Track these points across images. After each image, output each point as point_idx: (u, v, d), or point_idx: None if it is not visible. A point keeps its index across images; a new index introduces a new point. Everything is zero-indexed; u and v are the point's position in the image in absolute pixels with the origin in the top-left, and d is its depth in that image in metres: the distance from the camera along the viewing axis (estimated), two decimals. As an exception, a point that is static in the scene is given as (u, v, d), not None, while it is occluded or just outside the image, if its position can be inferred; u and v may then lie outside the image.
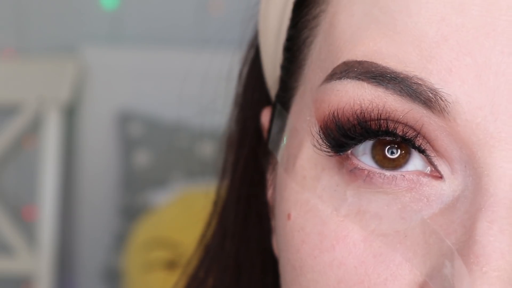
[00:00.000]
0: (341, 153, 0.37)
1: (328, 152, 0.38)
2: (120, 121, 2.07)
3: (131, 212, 2.03)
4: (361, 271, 0.36)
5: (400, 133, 0.36)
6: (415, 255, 0.35)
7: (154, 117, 2.07)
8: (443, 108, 0.35)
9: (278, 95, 0.44)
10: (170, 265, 1.76)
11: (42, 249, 1.97)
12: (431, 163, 0.36)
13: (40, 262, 1.97)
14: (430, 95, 0.35)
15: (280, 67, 0.44)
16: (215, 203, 0.51)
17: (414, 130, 0.36)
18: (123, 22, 2.13)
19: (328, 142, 0.38)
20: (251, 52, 0.50)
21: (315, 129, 0.38)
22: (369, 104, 0.36)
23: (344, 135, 0.37)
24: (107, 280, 2.06)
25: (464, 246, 0.34)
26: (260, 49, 0.48)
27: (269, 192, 0.46)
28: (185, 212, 1.82)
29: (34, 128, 2.06)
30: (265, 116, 0.48)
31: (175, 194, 1.93)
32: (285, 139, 0.42)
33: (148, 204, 2.01)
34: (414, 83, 0.35)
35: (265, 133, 0.47)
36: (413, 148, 0.36)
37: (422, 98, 0.35)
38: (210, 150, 2.03)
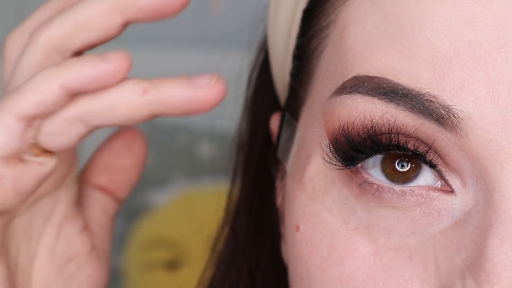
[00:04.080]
0: (351, 167, 0.37)
1: (338, 165, 0.38)
2: (120, 121, 2.07)
3: (131, 212, 2.03)
4: (370, 285, 0.36)
5: (411, 148, 0.36)
6: (425, 270, 0.35)
7: (154, 117, 2.06)
8: (456, 125, 0.34)
9: (287, 103, 0.44)
10: (170, 265, 1.75)
11: (42, 249, 1.96)
12: (442, 177, 0.36)
13: (40, 262, 1.96)
14: (443, 112, 0.34)
15: (289, 75, 0.44)
16: (227, 209, 0.51)
17: (426, 145, 0.35)
18: (123, 22, 2.13)
19: (338, 156, 0.37)
20: (261, 56, 0.50)
21: (325, 142, 0.38)
22: (380, 119, 0.36)
23: (354, 149, 0.37)
24: (107, 280, 2.05)
25: (475, 263, 0.33)
26: (269, 55, 0.47)
27: (278, 200, 0.46)
28: (185, 212, 1.81)
29: (34, 128, 2.06)
30: (274, 122, 0.47)
31: (175, 194, 1.93)
32: (294, 149, 0.41)
33: (148, 204, 2.01)
34: (427, 100, 0.35)
35: (274, 139, 0.47)
36: (424, 163, 0.36)
37: (435, 115, 0.34)
38: (210, 151, 2.03)
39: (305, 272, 0.38)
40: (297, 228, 0.39)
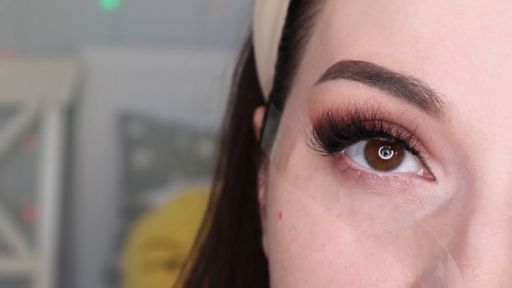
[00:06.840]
0: (335, 153, 0.37)
1: (322, 151, 0.37)
2: (120, 121, 2.07)
3: (131, 212, 2.03)
4: (352, 271, 0.36)
5: (394, 134, 0.36)
6: (407, 256, 0.35)
7: (154, 117, 2.07)
8: (438, 109, 0.34)
9: (272, 95, 0.44)
10: (170, 265, 1.76)
11: (42, 249, 1.97)
12: (424, 165, 0.36)
13: (40, 262, 1.97)
14: (426, 95, 0.34)
15: (274, 67, 0.44)
16: (210, 203, 0.51)
17: (409, 131, 0.35)
18: (123, 22, 2.13)
19: (321, 142, 0.37)
20: (246, 52, 0.50)
21: (309, 128, 0.38)
22: (364, 104, 0.35)
23: (338, 135, 0.37)
24: (107, 280, 2.06)
25: (456, 249, 0.33)
26: (255, 49, 0.47)
27: (261, 192, 0.46)
28: (185, 212, 1.81)
29: (34, 128, 2.06)
30: (258, 115, 0.47)
31: (175, 194, 1.93)
32: (278, 138, 0.41)
33: (148, 204, 2.01)
34: (410, 83, 0.35)
35: (257, 133, 0.47)
36: (406, 149, 0.36)
37: (418, 99, 0.34)
38: (210, 150, 2.03)
39: (286, 259, 0.38)
40: (280, 215, 0.39)
